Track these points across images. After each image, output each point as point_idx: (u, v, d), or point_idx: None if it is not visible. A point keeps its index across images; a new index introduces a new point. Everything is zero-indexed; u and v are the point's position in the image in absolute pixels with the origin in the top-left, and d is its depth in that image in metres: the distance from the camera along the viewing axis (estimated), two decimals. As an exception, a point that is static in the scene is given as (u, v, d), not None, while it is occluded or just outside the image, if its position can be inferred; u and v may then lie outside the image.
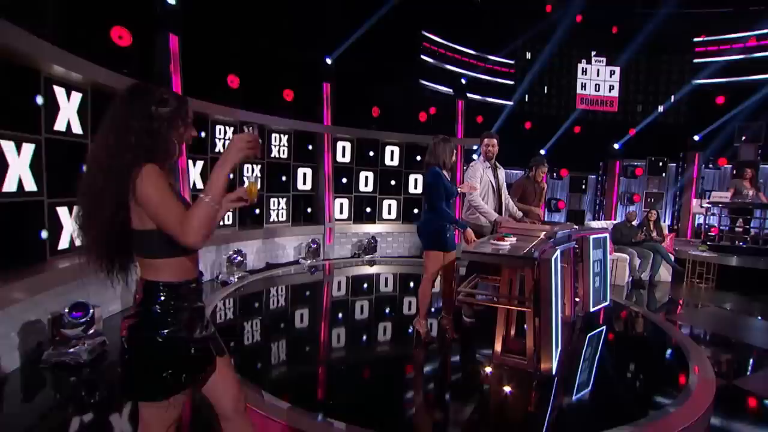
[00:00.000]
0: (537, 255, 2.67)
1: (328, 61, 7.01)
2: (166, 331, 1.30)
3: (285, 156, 6.72)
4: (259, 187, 1.32)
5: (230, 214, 6.06)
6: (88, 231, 1.28)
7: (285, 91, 6.48)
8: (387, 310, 4.72)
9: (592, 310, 4.21)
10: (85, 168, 1.28)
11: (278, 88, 6.42)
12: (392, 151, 7.65)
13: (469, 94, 8.49)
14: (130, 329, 1.30)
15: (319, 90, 7.01)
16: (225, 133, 5.77)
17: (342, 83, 7.13)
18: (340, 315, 4.47)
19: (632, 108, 10.48)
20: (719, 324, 4.56)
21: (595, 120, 10.26)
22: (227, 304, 4.63)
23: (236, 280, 5.36)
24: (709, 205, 7.50)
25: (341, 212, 7.48)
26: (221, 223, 5.94)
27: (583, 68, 10.33)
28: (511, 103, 9.52)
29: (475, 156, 7.94)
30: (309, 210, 7.27)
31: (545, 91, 10.08)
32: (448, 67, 8.87)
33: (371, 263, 7.05)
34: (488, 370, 3.04)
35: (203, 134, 5.43)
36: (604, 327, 4.24)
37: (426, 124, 7.77)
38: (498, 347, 3.12)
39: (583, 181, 9.84)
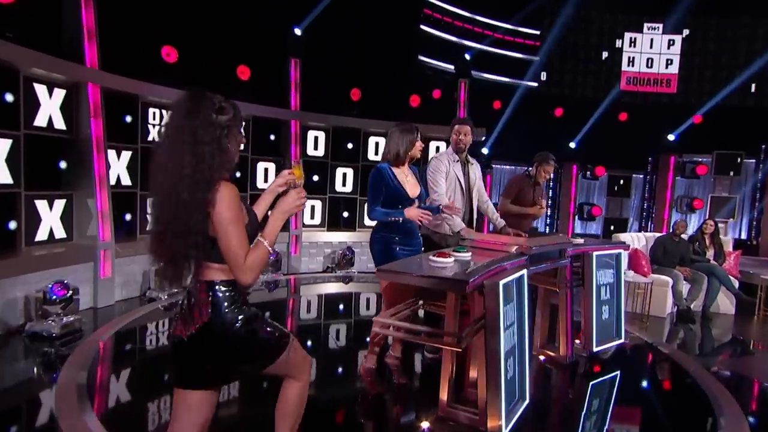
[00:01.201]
0: (476, 277, 2.38)
1: (297, 31, 6.88)
2: (238, 325, 1.63)
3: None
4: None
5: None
6: (171, 242, 1.52)
7: (239, 68, 6.37)
8: (341, 341, 4.49)
9: (596, 349, 3.85)
10: (157, 179, 1.54)
11: (230, 65, 6.31)
12: (377, 143, 7.45)
13: (478, 73, 8.21)
14: (209, 335, 1.61)
15: (285, 67, 6.87)
16: (160, 117, 5.68)
17: (314, 59, 6.97)
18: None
19: (697, 87, 9.89)
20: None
21: (645, 104, 9.73)
22: (147, 328, 4.49)
23: (166, 297, 5.24)
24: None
25: (312, 217, 7.31)
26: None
27: (631, 38, 9.84)
28: (535, 84, 9.14)
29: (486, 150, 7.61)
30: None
31: (579, 68, 9.65)
32: (454, 39, 8.60)
33: (346, 280, 6.83)
34: (426, 426, 2.76)
35: (129, 119, 5.34)
36: (618, 373, 3.87)
37: (419, 109, 7.54)
38: (444, 396, 2.84)
39: (626, 182, 9.35)
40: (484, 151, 8.40)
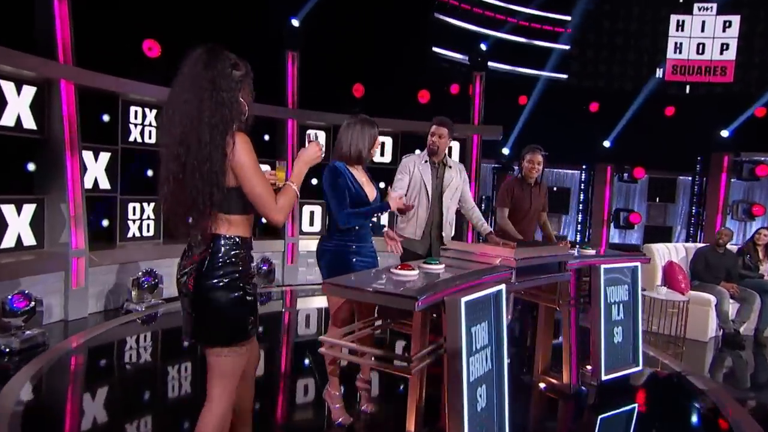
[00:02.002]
0: (430, 294, 2.25)
1: (294, 22, 6.89)
2: (228, 279, 1.83)
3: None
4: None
5: (152, 223, 6.05)
6: (193, 184, 1.75)
7: (229, 63, 6.41)
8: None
9: (605, 377, 3.62)
10: (176, 127, 1.77)
11: (219, 59, 6.36)
12: (382, 143, 7.37)
13: (498, 64, 8.02)
14: (198, 279, 1.82)
15: (281, 61, 6.89)
16: (143, 117, 5.76)
17: (313, 52, 6.97)
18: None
19: (759, 75, 9.38)
20: None
21: (694, 95, 9.28)
22: (115, 344, 4.53)
23: (144, 309, 5.29)
24: None
25: (311, 223, 7.29)
26: (140, 234, 5.94)
27: (678, 21, 9.43)
28: (563, 75, 8.88)
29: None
30: (264, 220, 7.10)
31: (616, 57, 9.31)
32: (473, 27, 8.45)
33: (345, 293, 6.75)
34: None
35: (106, 117, 5.44)
36: (631, 407, 3.63)
37: (429, 106, 7.46)
38: (411, 427, 2.70)
39: (670, 185, 8.93)
40: (505, 151, 8.21)
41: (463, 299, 2.38)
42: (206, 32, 6.06)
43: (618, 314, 3.74)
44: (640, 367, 3.87)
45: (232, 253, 1.85)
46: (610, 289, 3.67)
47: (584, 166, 8.88)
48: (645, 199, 9.16)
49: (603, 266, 3.59)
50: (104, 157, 5.44)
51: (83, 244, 4.97)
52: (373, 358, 2.45)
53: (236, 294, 1.84)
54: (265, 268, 6.57)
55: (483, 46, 7.40)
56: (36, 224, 4.81)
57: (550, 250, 3.35)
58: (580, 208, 8.95)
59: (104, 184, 5.47)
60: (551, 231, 4.57)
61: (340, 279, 2.44)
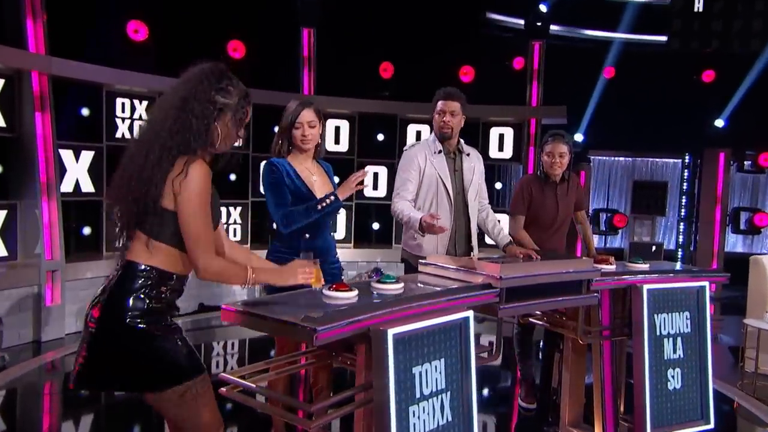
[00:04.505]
0: (342, 323, 2.06)
1: (311, -8, 6.91)
2: (135, 317, 1.84)
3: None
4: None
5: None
6: (121, 195, 1.90)
7: (231, 44, 6.54)
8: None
9: (653, 436, 3.21)
10: (139, 133, 2.06)
11: (218, 40, 6.49)
12: (419, 132, 7.31)
13: (568, 28, 7.59)
14: (103, 310, 1.86)
15: (295, 40, 6.93)
16: (131, 110, 5.99)
17: (332, 28, 6.97)
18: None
19: None
20: None
21: None
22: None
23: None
24: None
25: (334, 230, 7.24)
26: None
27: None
28: (663, 37, 8.22)
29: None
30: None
31: (737, 10, 8.45)
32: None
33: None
34: None
35: (86, 112, 5.69)
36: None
37: (473, 85, 7.28)
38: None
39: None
40: (578, 137, 7.76)
41: (391, 331, 2.16)
42: (203, 9, 6.29)
43: (674, 351, 3.32)
44: (711, 425, 3.40)
45: (146, 284, 1.88)
46: (660, 317, 3.27)
47: (687, 154, 8.25)
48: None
49: (646, 286, 3.19)
50: (86, 156, 5.69)
51: (59, 255, 5.21)
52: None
53: (143, 335, 1.86)
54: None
55: (543, 7, 7.05)
56: (7, 233, 5.11)
57: (560, 264, 3.01)
58: (683, 204, 8.23)
59: (87, 186, 5.71)
60: (591, 235, 4.17)
61: (240, 303, 2.32)
